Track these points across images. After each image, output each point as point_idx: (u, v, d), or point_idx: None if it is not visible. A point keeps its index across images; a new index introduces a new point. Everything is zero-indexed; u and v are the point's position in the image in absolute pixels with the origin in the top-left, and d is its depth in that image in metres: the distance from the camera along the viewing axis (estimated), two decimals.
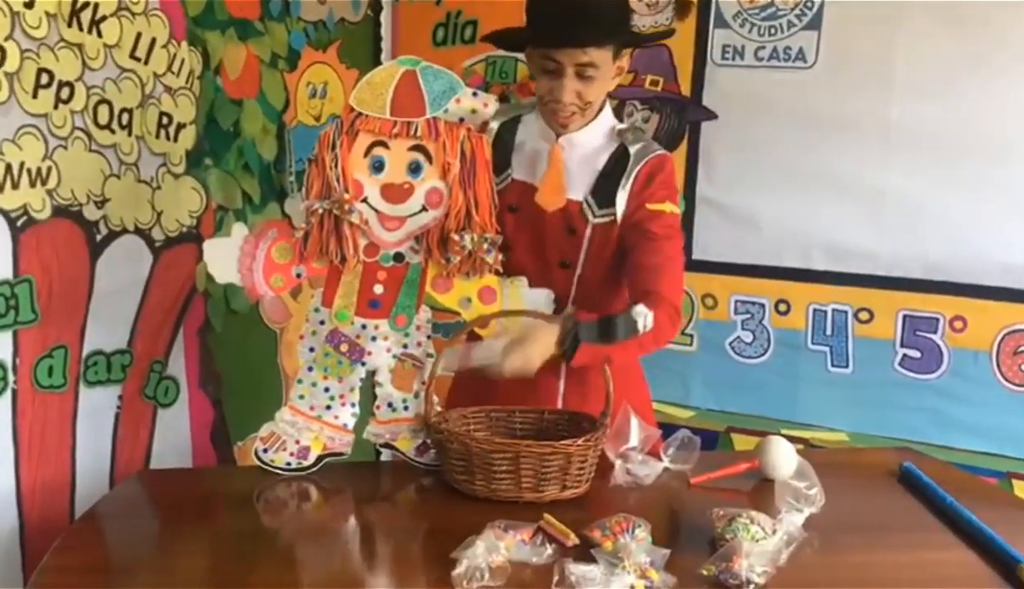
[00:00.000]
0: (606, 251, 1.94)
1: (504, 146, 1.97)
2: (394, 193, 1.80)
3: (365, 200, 1.80)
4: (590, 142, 1.93)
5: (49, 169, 1.93)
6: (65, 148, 1.96)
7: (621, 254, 1.93)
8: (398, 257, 1.85)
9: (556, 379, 2.00)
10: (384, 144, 1.79)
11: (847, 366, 2.74)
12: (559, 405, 2.00)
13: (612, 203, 1.90)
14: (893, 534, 1.63)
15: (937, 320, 2.63)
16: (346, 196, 1.76)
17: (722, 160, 2.81)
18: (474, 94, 1.80)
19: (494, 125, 1.96)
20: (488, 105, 1.81)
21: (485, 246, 1.82)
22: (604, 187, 1.91)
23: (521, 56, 2.98)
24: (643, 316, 1.72)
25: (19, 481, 1.95)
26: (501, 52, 3.07)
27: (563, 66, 1.80)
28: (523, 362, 1.72)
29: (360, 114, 1.78)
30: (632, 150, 1.92)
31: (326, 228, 1.78)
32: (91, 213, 2.05)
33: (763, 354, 2.84)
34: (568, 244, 1.94)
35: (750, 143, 2.76)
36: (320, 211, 1.77)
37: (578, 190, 1.92)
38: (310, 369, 1.85)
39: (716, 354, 2.88)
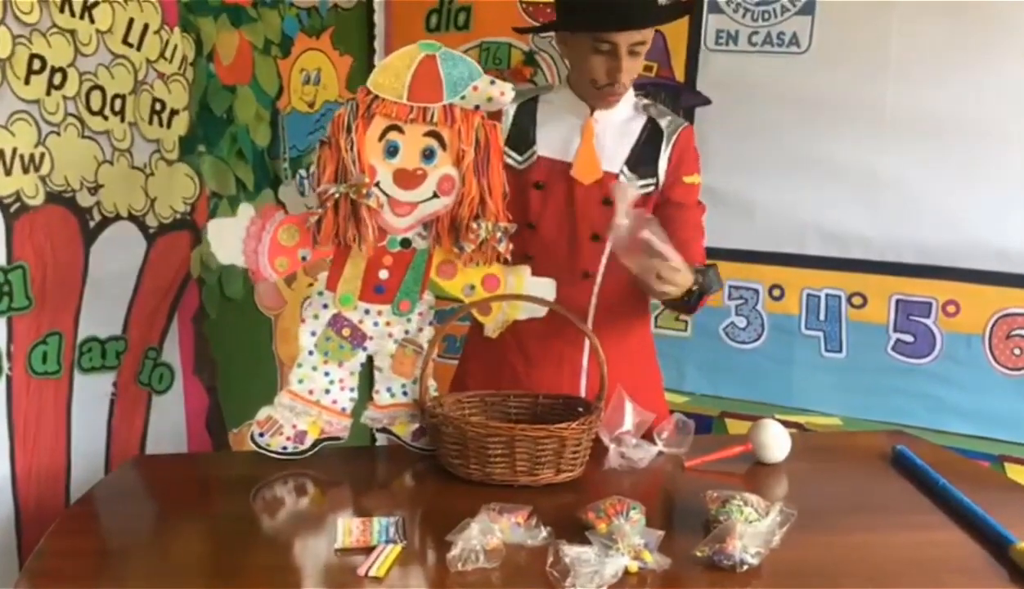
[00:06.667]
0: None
1: (525, 127, 1.99)
2: (407, 179, 1.78)
3: (377, 184, 1.78)
4: (620, 115, 1.99)
5: (42, 155, 1.92)
6: (58, 134, 1.96)
7: None
8: (405, 243, 1.84)
9: (580, 355, 2.03)
10: (399, 129, 1.77)
11: (841, 351, 2.75)
12: (583, 380, 2.04)
13: (650, 174, 1.98)
14: (886, 516, 1.64)
15: (930, 304, 2.64)
16: (366, 180, 1.74)
17: (716, 145, 2.80)
18: (492, 82, 1.78)
19: (509, 107, 1.97)
20: (505, 93, 1.78)
21: (498, 235, 1.82)
22: (641, 158, 1.98)
23: (515, 41, 3.04)
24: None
25: (14, 467, 1.95)
26: (494, 38, 3.07)
27: (619, 47, 1.84)
28: (675, 284, 1.79)
29: (377, 97, 1.75)
30: (663, 122, 2.00)
31: (343, 212, 1.75)
32: (84, 199, 2.05)
33: (757, 339, 2.84)
34: (602, 216, 1.96)
35: (744, 128, 2.76)
36: (336, 195, 1.75)
37: (613, 162, 1.97)
38: (311, 353, 1.85)
39: (710, 339, 2.89)
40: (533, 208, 1.98)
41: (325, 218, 1.76)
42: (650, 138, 1.99)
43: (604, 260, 1.99)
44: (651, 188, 1.99)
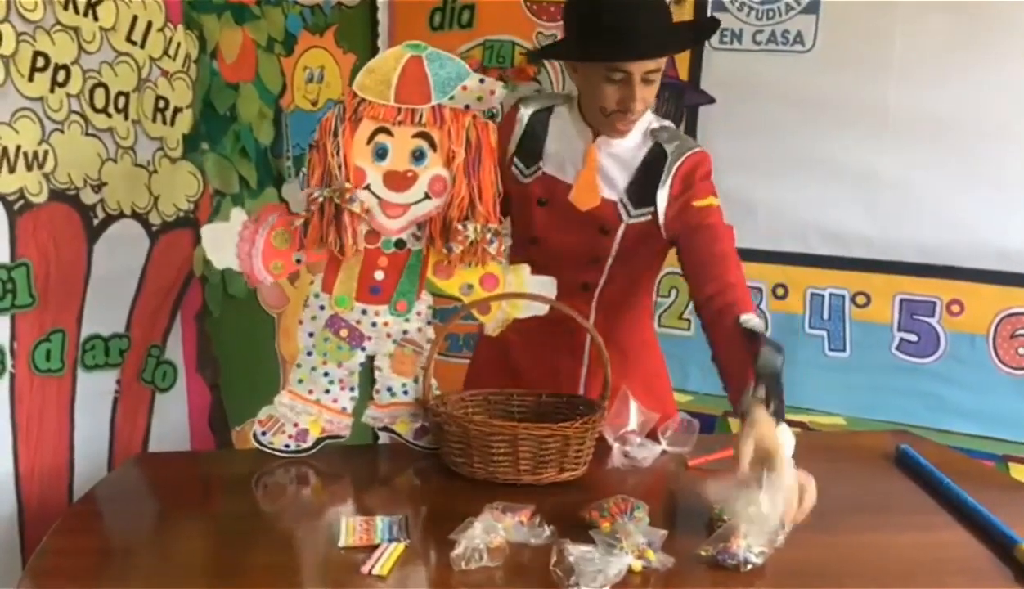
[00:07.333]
0: (637, 249, 1.94)
1: (536, 138, 1.95)
2: (397, 181, 1.78)
3: (367, 187, 1.77)
4: (627, 141, 1.91)
5: (46, 153, 1.92)
6: (62, 132, 1.96)
7: (654, 254, 1.98)
8: (399, 243, 1.83)
9: (579, 365, 2.04)
10: (387, 131, 1.76)
11: (844, 350, 2.75)
12: (582, 381, 2.04)
13: (649, 202, 1.89)
14: (891, 515, 1.64)
15: (934, 304, 2.63)
16: (347, 186, 1.74)
17: (720, 144, 2.78)
18: (481, 81, 1.76)
19: (525, 113, 1.96)
20: (495, 92, 1.77)
21: (488, 236, 1.80)
22: (640, 186, 1.89)
23: (519, 39, 3.04)
24: (758, 324, 1.67)
25: (17, 465, 1.95)
26: (498, 36, 3.07)
27: (632, 76, 1.76)
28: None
29: (364, 100, 1.75)
30: (668, 148, 1.89)
31: (326, 217, 1.75)
32: (88, 197, 2.05)
33: None
34: (599, 242, 1.93)
35: (748, 127, 2.76)
36: (320, 199, 1.74)
37: (613, 189, 1.91)
38: (309, 354, 1.84)
39: None
40: (537, 223, 1.95)
41: (311, 222, 1.76)
42: (652, 164, 1.90)
43: (602, 280, 1.97)
44: (646, 218, 1.90)
